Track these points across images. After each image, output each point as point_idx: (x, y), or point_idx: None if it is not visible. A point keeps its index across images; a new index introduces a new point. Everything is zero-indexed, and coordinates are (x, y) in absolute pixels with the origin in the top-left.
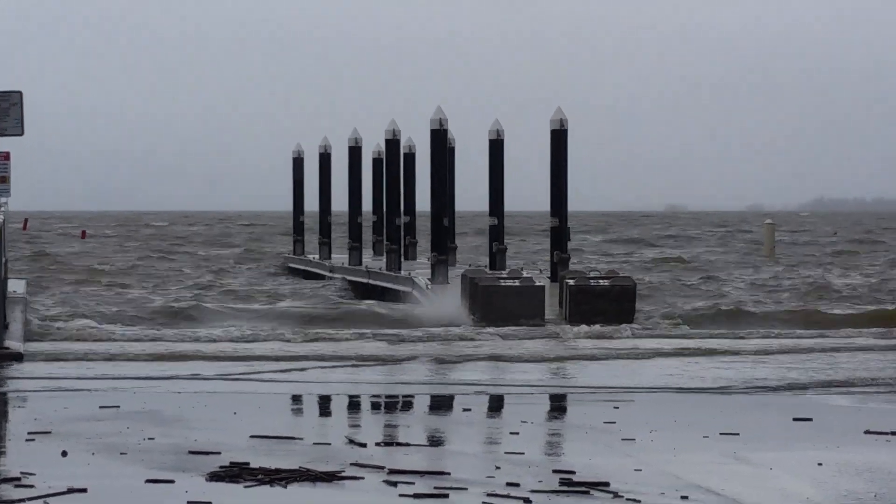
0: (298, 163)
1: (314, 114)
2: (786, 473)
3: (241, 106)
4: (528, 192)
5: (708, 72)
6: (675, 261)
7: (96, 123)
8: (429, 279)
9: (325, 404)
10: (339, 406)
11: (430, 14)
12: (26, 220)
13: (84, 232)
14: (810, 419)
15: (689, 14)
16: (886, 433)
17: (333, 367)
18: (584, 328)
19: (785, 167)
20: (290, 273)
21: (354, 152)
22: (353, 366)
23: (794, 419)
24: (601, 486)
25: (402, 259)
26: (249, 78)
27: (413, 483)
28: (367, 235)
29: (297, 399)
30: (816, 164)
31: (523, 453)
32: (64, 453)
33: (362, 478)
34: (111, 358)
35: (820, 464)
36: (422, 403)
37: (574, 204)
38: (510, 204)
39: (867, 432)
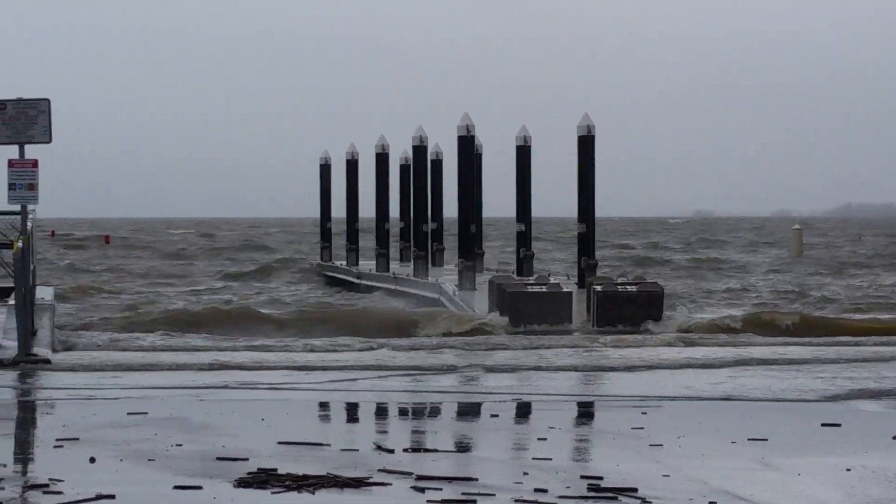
0: (325, 169)
1: (342, 120)
2: (813, 479)
3: (269, 112)
4: (550, 198)
5: (736, 77)
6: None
7: (121, 130)
8: (456, 285)
9: (352, 410)
10: (366, 411)
11: (457, 21)
12: (53, 231)
13: (107, 237)
14: (839, 424)
15: (717, 18)
16: None
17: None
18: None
19: (812, 172)
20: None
21: (381, 159)
22: (378, 377)
23: (823, 424)
24: (629, 491)
25: (430, 265)
26: (278, 84)
27: (441, 489)
28: (395, 242)
29: (323, 405)
30: (844, 170)
31: (551, 459)
32: (92, 460)
33: (390, 484)
34: (145, 368)
35: (848, 469)
36: (449, 409)
37: (601, 210)
38: (543, 210)
39: (895, 438)
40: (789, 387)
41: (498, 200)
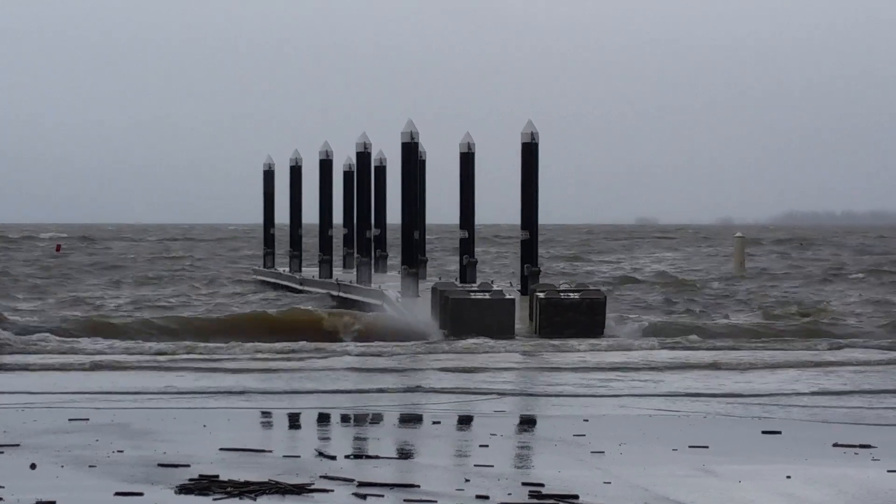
0: (269, 175)
1: (285, 127)
2: (754, 486)
3: (211, 118)
4: (499, 205)
5: (679, 86)
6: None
7: (56, 135)
8: (399, 292)
9: (294, 418)
10: (308, 417)
11: (401, 27)
12: (59, 245)
13: (59, 245)
14: (779, 432)
15: (660, 28)
16: (854, 446)
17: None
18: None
19: (755, 180)
20: (260, 286)
21: (325, 165)
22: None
23: (763, 432)
24: (570, 498)
25: (373, 272)
26: (220, 90)
27: (382, 496)
28: (338, 249)
29: (266, 413)
30: (787, 178)
31: (492, 466)
32: (33, 466)
33: (332, 490)
34: (92, 368)
35: (789, 476)
36: (391, 416)
37: (544, 217)
38: (483, 217)
39: (836, 445)
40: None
41: (446, 207)
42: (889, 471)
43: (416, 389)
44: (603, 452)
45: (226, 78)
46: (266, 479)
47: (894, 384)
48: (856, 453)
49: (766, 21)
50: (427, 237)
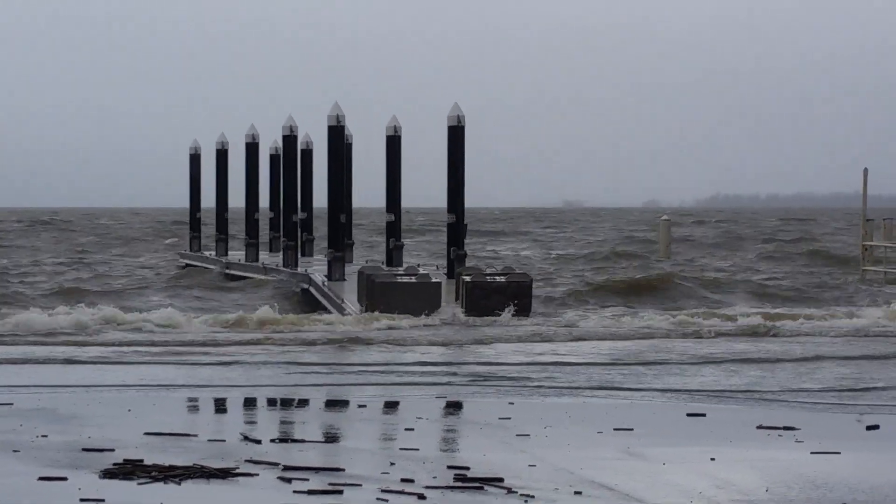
0: (195, 159)
1: (211, 110)
2: (679, 469)
3: (137, 101)
4: (428, 188)
5: (605, 70)
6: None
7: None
8: (325, 276)
9: (220, 401)
10: (234, 403)
11: (329, 9)
12: None
13: None
14: (703, 415)
15: (586, 12)
16: (778, 428)
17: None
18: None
19: (682, 164)
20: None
21: (251, 148)
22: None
23: (688, 414)
24: (495, 481)
25: (299, 255)
26: (146, 73)
27: (307, 479)
28: (265, 232)
29: (192, 399)
30: (713, 162)
31: (418, 449)
32: None
33: (257, 474)
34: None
35: (713, 459)
36: (318, 399)
37: (472, 200)
38: (413, 200)
39: (759, 427)
40: None
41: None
42: (812, 452)
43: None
44: (528, 435)
45: (152, 61)
46: (191, 464)
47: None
48: (780, 435)
49: (693, 5)
50: (354, 220)
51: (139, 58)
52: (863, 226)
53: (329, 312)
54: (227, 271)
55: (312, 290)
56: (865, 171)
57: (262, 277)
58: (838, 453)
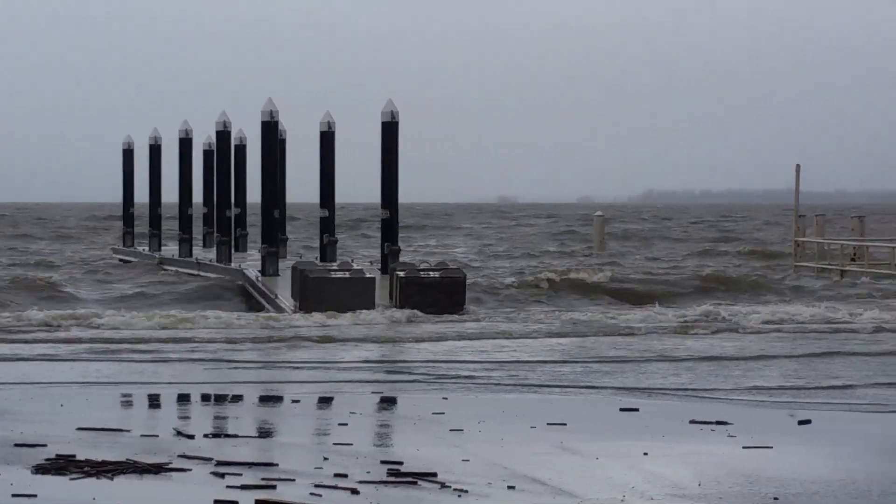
0: (128, 154)
1: (144, 105)
2: (612, 463)
3: (71, 96)
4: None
5: (541, 67)
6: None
7: None
8: (259, 271)
9: (154, 397)
10: (168, 399)
11: (262, 4)
12: None
13: None
14: (636, 409)
15: (522, 9)
16: (711, 422)
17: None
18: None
19: (616, 161)
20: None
21: (185, 144)
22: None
23: (621, 409)
24: (429, 476)
25: (233, 251)
26: (80, 68)
27: (241, 475)
28: (199, 227)
29: (126, 395)
30: (647, 158)
31: (352, 444)
32: None
33: (190, 469)
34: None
35: (646, 453)
36: (252, 395)
37: (407, 196)
38: (348, 196)
39: (692, 422)
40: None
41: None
42: (745, 447)
43: (280, 365)
44: (462, 430)
45: (86, 56)
46: (124, 459)
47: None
48: (712, 430)
49: (630, 4)
50: (288, 216)
51: (76, 52)
52: (795, 222)
53: (263, 308)
54: (162, 266)
55: (247, 285)
56: (798, 167)
57: (196, 273)
58: (770, 448)
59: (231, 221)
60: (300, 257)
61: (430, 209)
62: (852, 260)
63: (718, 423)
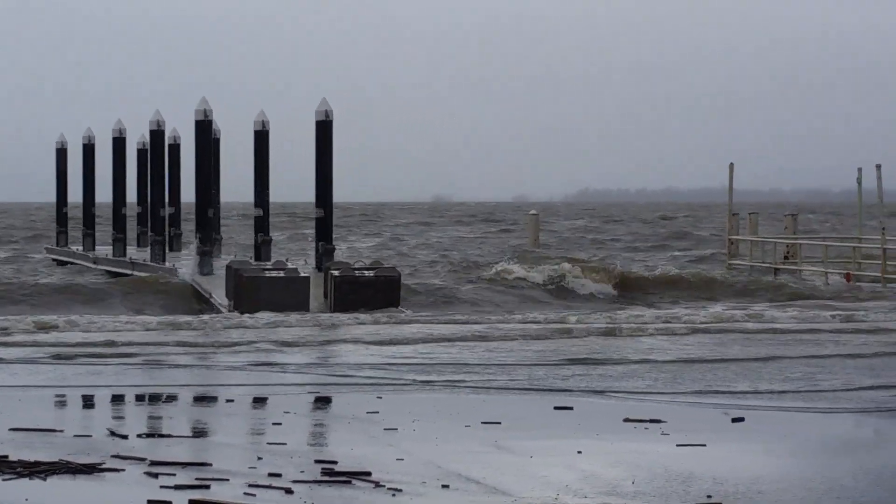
0: (61, 153)
1: (78, 104)
2: (546, 462)
3: (2, 94)
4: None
5: (475, 64)
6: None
7: None
8: (193, 270)
9: (88, 398)
10: (102, 399)
11: (197, 2)
12: None
13: None
14: (571, 408)
15: (453, 6)
16: (645, 420)
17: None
18: None
19: (551, 159)
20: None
21: (119, 143)
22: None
23: (556, 408)
24: (363, 475)
25: (167, 250)
26: (11, 65)
27: (174, 474)
28: (133, 227)
29: (60, 395)
30: (582, 157)
31: (286, 443)
32: None
33: (123, 469)
34: None
35: (580, 452)
36: (186, 396)
37: (341, 195)
38: (284, 195)
39: (626, 420)
40: None
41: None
42: (678, 445)
43: (212, 365)
44: (396, 429)
45: (18, 53)
46: (57, 459)
47: None
48: (646, 428)
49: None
50: (222, 215)
51: (6, 49)
52: (728, 220)
53: (198, 308)
54: (95, 266)
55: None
56: (731, 166)
57: (130, 272)
58: (704, 446)
59: (165, 221)
60: (234, 256)
61: (365, 209)
62: (785, 258)
63: (652, 420)
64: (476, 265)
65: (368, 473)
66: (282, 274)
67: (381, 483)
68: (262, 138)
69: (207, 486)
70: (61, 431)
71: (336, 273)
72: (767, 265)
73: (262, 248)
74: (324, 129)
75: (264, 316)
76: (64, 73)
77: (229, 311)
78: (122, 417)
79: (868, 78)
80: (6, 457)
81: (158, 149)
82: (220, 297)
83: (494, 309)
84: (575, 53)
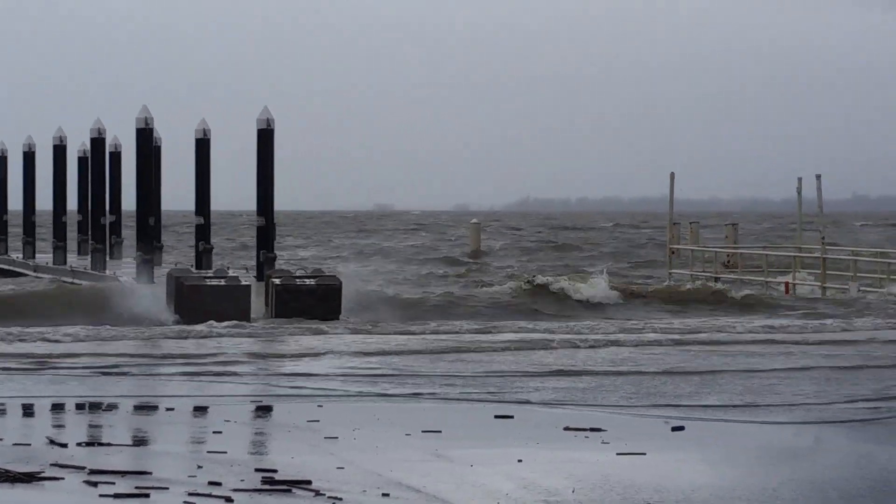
0: (1, 161)
1: (18, 112)
2: (487, 470)
3: None
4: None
5: (416, 71)
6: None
7: None
8: (134, 278)
9: (28, 405)
10: (42, 408)
11: (136, 10)
12: None
13: None
14: (511, 416)
15: (395, 10)
16: (585, 429)
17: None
18: None
19: (492, 168)
20: None
21: (59, 151)
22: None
23: (496, 416)
24: (303, 483)
25: (108, 258)
26: None
27: (114, 483)
28: (74, 235)
29: None
30: (523, 166)
31: (226, 452)
32: None
33: (62, 478)
34: None
35: (520, 460)
36: (126, 404)
37: (283, 204)
38: (224, 204)
39: (567, 429)
40: None
41: (184, 193)
42: (619, 453)
43: (153, 374)
44: (337, 438)
45: None
46: None
47: None
48: (586, 437)
49: (505, 8)
50: (164, 224)
51: None
52: (669, 229)
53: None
54: (35, 274)
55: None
56: (672, 175)
57: (70, 280)
58: (644, 454)
59: (106, 229)
60: (175, 265)
61: (308, 217)
62: (726, 267)
63: (592, 429)
64: (420, 276)
65: (309, 482)
66: (223, 282)
67: (321, 491)
68: (203, 146)
69: (147, 495)
70: (0, 440)
71: (277, 281)
72: (708, 274)
73: (203, 257)
74: (265, 138)
75: (202, 327)
76: (3, 80)
77: (170, 319)
78: (62, 426)
79: (807, 88)
80: None
81: (99, 156)
82: (159, 305)
83: (435, 321)
84: (513, 63)
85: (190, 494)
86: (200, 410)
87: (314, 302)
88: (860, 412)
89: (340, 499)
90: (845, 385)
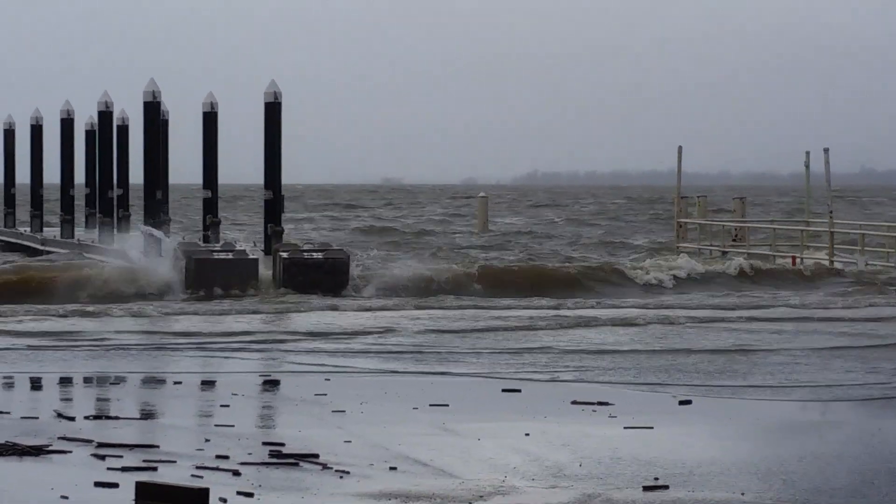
0: (9, 135)
1: (26, 85)
2: (494, 444)
3: None
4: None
5: (425, 48)
6: None
7: None
8: (141, 252)
9: (35, 380)
10: (50, 381)
11: None
12: None
13: None
14: (519, 390)
15: None
16: (593, 403)
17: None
18: None
19: (500, 142)
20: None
21: (66, 124)
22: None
23: (503, 390)
24: (311, 457)
25: (116, 232)
26: None
27: (121, 456)
28: (81, 208)
29: (7, 377)
30: (532, 140)
31: (233, 426)
32: None
33: (70, 451)
34: None
35: (527, 434)
36: (134, 377)
37: (292, 177)
38: (233, 177)
39: (574, 402)
40: None
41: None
42: (626, 427)
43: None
44: (344, 411)
45: None
46: (3, 441)
47: None
48: (594, 411)
49: None
50: (171, 197)
51: None
52: (677, 203)
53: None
54: (43, 247)
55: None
56: (680, 149)
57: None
58: (651, 428)
59: (113, 202)
60: (182, 238)
61: (319, 190)
62: (734, 241)
63: (600, 403)
64: (427, 247)
65: (316, 455)
66: (230, 256)
67: (328, 465)
68: (210, 120)
69: (155, 468)
70: (8, 414)
71: (284, 255)
72: (716, 248)
73: (210, 230)
74: (272, 111)
75: (209, 298)
76: (11, 53)
77: (178, 292)
78: (69, 399)
79: (816, 63)
80: None
81: (106, 130)
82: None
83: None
84: (524, 38)
85: (197, 468)
86: (208, 384)
87: (321, 275)
88: None
89: (348, 472)
90: None
